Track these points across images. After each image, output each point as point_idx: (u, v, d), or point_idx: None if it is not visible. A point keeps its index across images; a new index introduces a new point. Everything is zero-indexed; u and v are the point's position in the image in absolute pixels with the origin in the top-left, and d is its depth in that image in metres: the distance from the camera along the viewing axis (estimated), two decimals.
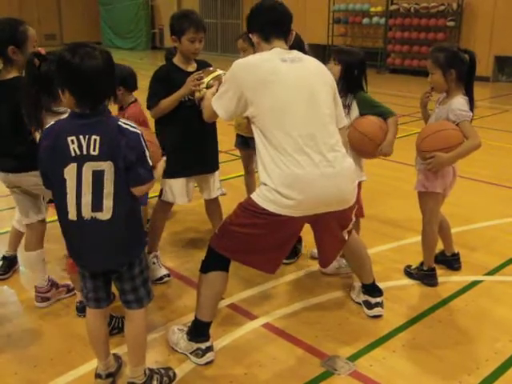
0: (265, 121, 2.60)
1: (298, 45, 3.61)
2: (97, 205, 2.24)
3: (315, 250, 3.90)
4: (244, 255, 2.73)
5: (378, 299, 3.23)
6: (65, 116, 2.37)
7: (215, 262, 2.76)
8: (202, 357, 2.79)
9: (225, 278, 2.80)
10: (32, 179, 2.95)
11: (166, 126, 3.46)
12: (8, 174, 3.07)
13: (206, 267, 2.80)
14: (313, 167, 2.54)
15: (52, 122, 2.32)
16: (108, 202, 2.24)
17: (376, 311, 3.21)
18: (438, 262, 3.72)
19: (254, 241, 2.66)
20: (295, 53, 2.76)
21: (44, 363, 2.81)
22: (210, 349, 2.81)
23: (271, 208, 2.55)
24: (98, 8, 21.72)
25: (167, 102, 3.38)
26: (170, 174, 3.18)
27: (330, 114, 2.71)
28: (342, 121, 2.88)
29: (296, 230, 2.75)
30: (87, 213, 2.25)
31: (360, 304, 3.29)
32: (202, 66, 3.49)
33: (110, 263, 2.39)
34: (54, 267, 3.61)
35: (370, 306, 3.23)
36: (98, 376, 2.58)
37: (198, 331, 2.82)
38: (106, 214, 2.25)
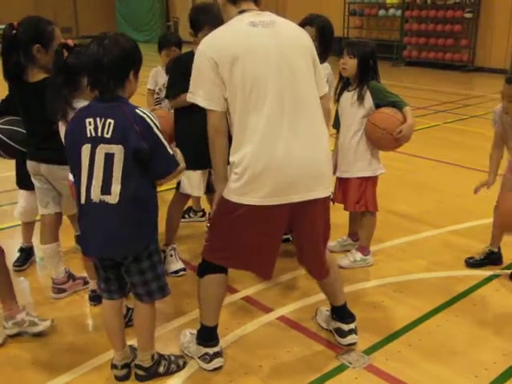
0: (234, 102, 2.39)
1: (324, 34, 3.59)
2: (106, 188, 2.29)
3: (332, 244, 3.89)
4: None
5: (352, 325, 2.88)
6: None
7: (208, 265, 2.66)
8: (209, 362, 2.70)
9: (221, 279, 2.66)
10: (61, 173, 2.98)
11: (188, 115, 3.37)
12: (40, 164, 3.11)
13: (200, 271, 2.69)
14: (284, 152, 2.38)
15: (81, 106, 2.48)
16: (116, 186, 2.28)
17: (350, 339, 2.87)
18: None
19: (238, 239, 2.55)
20: (267, 15, 2.49)
21: (61, 353, 2.84)
22: (217, 354, 2.71)
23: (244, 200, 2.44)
24: (114, 0, 21.76)
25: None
26: (191, 165, 3.10)
27: (309, 86, 2.49)
28: (323, 89, 2.63)
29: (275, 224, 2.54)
30: (96, 195, 2.30)
31: (331, 332, 2.98)
32: None
33: (112, 251, 2.40)
34: (71, 259, 3.63)
35: (343, 333, 2.88)
36: (113, 366, 2.61)
37: (205, 336, 2.73)
38: (113, 198, 2.29)
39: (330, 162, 2.63)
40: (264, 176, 2.38)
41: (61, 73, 2.71)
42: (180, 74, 3.32)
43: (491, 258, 3.70)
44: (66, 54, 2.74)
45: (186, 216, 4.46)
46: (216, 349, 2.72)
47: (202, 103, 2.44)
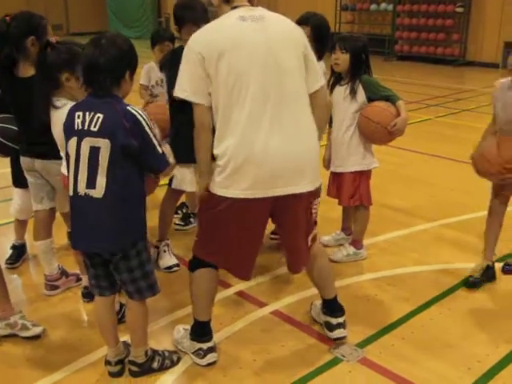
0: (219, 95, 2.40)
1: (320, 33, 3.58)
2: (90, 181, 2.29)
3: (325, 238, 3.90)
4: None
5: (340, 319, 2.87)
6: (63, 110, 2.57)
7: (199, 260, 2.67)
8: (203, 358, 2.70)
9: (212, 274, 2.66)
10: (55, 167, 2.97)
11: (184, 109, 3.40)
12: (34, 159, 3.10)
13: (192, 266, 2.70)
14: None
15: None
16: (101, 180, 2.28)
17: (338, 333, 2.86)
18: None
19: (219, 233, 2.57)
20: (259, 10, 2.49)
21: (54, 350, 2.83)
22: (211, 350, 2.71)
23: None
24: None
25: None
26: (185, 159, 3.18)
27: (297, 82, 2.48)
28: (317, 83, 2.59)
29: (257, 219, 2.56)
30: (81, 188, 2.31)
31: (321, 325, 2.98)
32: None
33: (97, 246, 2.39)
34: (64, 256, 3.62)
35: (331, 327, 2.88)
36: (107, 363, 2.61)
37: (198, 331, 2.73)
38: (98, 192, 2.29)
39: (316, 157, 2.61)
40: (245, 168, 2.39)
41: (41, 70, 2.71)
42: (177, 67, 3.34)
43: (488, 275, 3.45)
44: (49, 50, 2.73)
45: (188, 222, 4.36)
46: (210, 344, 2.72)
47: (188, 97, 2.45)
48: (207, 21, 3.39)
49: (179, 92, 2.48)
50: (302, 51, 2.52)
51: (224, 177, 2.43)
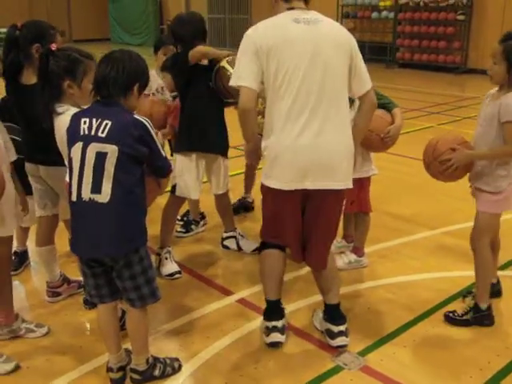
0: (268, 90, 2.59)
1: None
2: (96, 186, 2.31)
3: None
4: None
5: (341, 327, 2.88)
6: (64, 116, 2.61)
7: (266, 242, 2.90)
8: (267, 336, 2.87)
9: (275, 254, 2.86)
10: (59, 174, 2.97)
11: (186, 103, 3.54)
12: (38, 166, 3.11)
13: (260, 248, 2.96)
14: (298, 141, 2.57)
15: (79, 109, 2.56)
16: (107, 186, 2.30)
17: (340, 341, 2.87)
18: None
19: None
20: (312, 13, 2.65)
21: (56, 357, 2.83)
22: (275, 329, 2.85)
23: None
24: (107, 4, 21.73)
25: (204, 48, 3.38)
26: (183, 147, 3.52)
27: (339, 84, 2.63)
28: (364, 87, 2.73)
29: (292, 209, 2.72)
30: (86, 194, 2.32)
31: (323, 333, 2.98)
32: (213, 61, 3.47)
33: (99, 252, 2.39)
34: (66, 263, 3.63)
35: (332, 335, 2.88)
36: (109, 369, 2.61)
37: (267, 310, 2.92)
38: (104, 197, 2.31)
39: (348, 157, 2.70)
40: (279, 161, 2.59)
41: (42, 78, 2.72)
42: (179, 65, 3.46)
43: (492, 291, 3.20)
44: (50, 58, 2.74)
45: (189, 229, 4.33)
46: (275, 323, 2.86)
47: (236, 82, 2.61)
48: (205, 36, 3.44)
49: (233, 80, 2.65)
50: (349, 55, 2.64)
51: (267, 168, 2.68)
